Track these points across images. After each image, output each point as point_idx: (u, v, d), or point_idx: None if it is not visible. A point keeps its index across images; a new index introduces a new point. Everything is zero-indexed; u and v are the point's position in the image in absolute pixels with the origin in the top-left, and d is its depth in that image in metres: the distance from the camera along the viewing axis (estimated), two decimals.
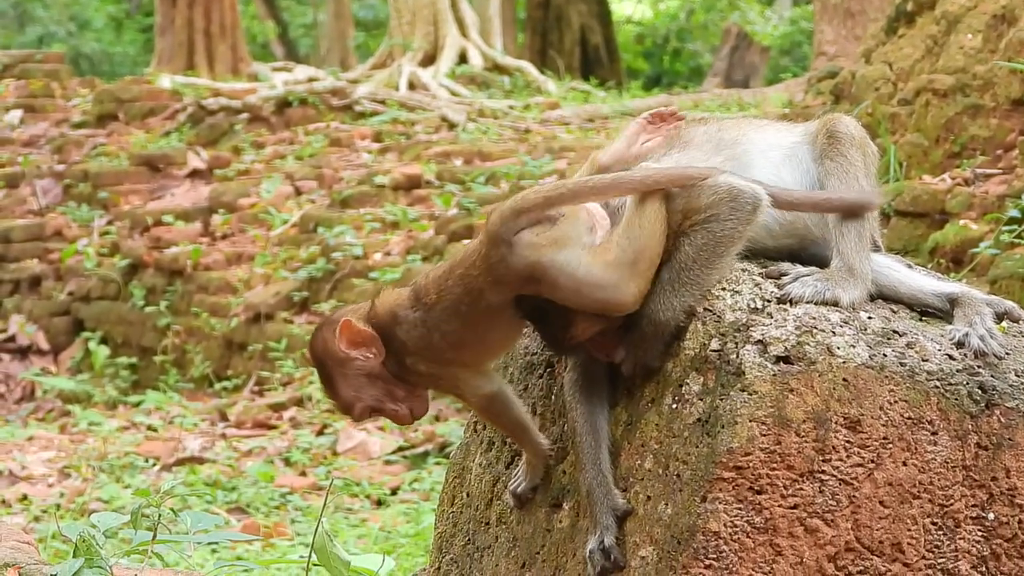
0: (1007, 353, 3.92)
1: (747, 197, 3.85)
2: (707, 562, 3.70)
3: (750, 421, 3.70)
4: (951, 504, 3.83)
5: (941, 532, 3.82)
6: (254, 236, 16.86)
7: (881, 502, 3.77)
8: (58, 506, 10.46)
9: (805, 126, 4.10)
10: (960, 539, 3.84)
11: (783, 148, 4.05)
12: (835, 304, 3.84)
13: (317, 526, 4.28)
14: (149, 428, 13.32)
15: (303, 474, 11.48)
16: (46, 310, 17.10)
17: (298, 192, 17.80)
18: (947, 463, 3.82)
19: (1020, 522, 3.88)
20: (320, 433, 12.53)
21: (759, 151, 4.03)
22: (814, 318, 3.81)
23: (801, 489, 3.73)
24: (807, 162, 4.02)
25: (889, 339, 3.84)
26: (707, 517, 3.71)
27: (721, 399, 3.74)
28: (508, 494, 4.21)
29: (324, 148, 19.33)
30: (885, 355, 3.80)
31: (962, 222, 10.07)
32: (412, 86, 22.66)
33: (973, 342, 3.88)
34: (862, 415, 3.75)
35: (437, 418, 12.30)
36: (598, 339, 3.94)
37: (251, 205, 17.60)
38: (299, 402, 13.65)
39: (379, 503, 10.65)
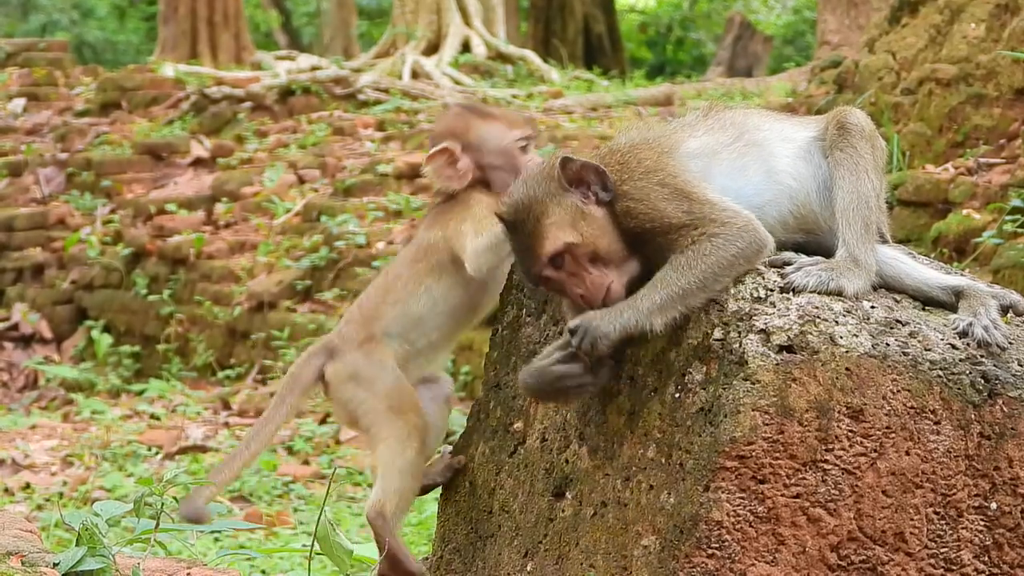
0: (1010, 343, 3.92)
1: (759, 235, 3.86)
2: (710, 551, 3.70)
3: (753, 410, 3.70)
4: (954, 493, 3.83)
5: (944, 521, 3.83)
6: (257, 225, 16.84)
7: (884, 491, 3.77)
8: (61, 495, 10.45)
9: (818, 123, 4.11)
10: (962, 528, 3.84)
11: (798, 142, 4.07)
12: (839, 294, 3.84)
13: (320, 515, 4.28)
14: (152, 417, 13.32)
15: (306, 463, 11.47)
16: (49, 298, 17.08)
17: (301, 181, 17.78)
18: (950, 452, 3.82)
19: (1023, 511, 3.88)
20: (323, 422, 12.51)
21: (780, 139, 4.06)
22: (817, 307, 3.80)
23: (804, 478, 3.73)
24: (818, 158, 4.04)
25: (892, 328, 3.84)
26: (710, 506, 3.71)
27: (724, 388, 3.74)
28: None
29: (327, 137, 19.30)
30: (888, 344, 3.80)
31: (965, 212, 10.05)
32: (415, 75, 22.63)
33: (977, 332, 3.88)
34: (865, 404, 3.75)
35: None
36: (575, 285, 3.92)
37: (254, 194, 17.57)
38: None
39: None
